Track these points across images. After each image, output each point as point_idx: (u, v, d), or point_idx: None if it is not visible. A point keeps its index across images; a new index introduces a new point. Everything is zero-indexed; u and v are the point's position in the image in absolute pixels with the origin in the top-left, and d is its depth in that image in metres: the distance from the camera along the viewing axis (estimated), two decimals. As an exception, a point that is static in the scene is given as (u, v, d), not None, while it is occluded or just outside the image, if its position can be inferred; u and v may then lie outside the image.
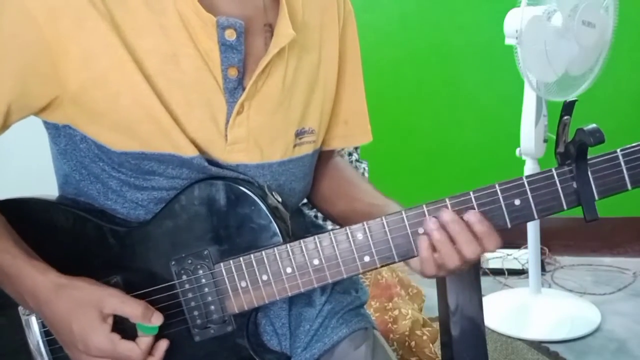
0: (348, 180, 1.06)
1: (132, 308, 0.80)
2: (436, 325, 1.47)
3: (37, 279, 0.80)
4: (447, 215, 0.78)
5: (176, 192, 0.84)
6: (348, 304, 1.01)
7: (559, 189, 0.77)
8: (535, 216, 0.78)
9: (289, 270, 0.82)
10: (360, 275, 1.14)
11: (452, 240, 0.78)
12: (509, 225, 0.79)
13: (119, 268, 0.83)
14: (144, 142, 0.83)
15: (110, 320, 0.79)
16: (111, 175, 0.86)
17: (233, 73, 0.85)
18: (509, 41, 1.99)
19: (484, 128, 2.88)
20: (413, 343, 1.56)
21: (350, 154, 2.04)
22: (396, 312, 1.61)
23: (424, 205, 0.79)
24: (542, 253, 2.57)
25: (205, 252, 0.83)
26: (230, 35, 0.84)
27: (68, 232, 0.87)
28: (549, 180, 0.77)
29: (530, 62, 1.99)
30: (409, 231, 0.79)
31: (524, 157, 2.26)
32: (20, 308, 0.85)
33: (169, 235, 0.84)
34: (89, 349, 0.78)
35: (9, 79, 0.80)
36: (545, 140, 2.23)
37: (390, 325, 1.58)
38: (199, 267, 0.83)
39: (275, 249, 0.82)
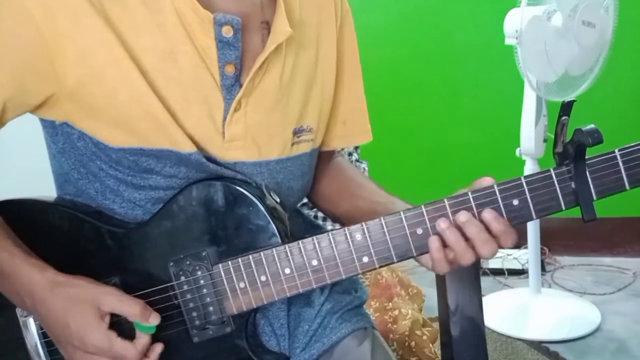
0: (350, 179, 1.05)
1: (129, 306, 0.80)
2: (436, 325, 1.47)
3: (34, 277, 0.80)
4: (463, 216, 0.78)
5: (174, 191, 0.85)
6: (347, 304, 1.01)
7: (558, 189, 0.77)
8: (534, 216, 0.78)
9: (287, 271, 0.82)
10: (360, 275, 1.14)
11: (467, 240, 0.78)
12: (508, 225, 0.79)
13: (117, 269, 0.83)
14: (141, 138, 0.83)
15: (107, 319, 0.79)
16: (108, 173, 0.86)
17: (230, 70, 0.85)
18: (509, 41, 1.99)
19: (484, 128, 2.88)
20: (413, 343, 1.56)
21: (350, 154, 2.04)
22: (396, 312, 1.61)
23: (423, 206, 0.79)
24: (542, 253, 2.57)
25: (204, 253, 0.83)
26: (227, 32, 0.84)
27: (66, 234, 0.87)
28: (547, 181, 0.77)
29: (530, 62, 1.99)
30: (407, 232, 0.79)
31: (524, 157, 2.26)
32: (17, 309, 0.85)
33: (167, 237, 0.84)
34: (86, 345, 0.78)
35: (5, 76, 0.80)
36: (545, 140, 2.23)
37: (390, 325, 1.58)
38: (197, 268, 0.83)
39: (273, 249, 0.82)
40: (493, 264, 2.74)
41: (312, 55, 0.95)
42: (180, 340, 0.84)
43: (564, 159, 0.77)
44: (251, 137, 0.88)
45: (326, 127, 1.01)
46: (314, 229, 1.04)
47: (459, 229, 0.78)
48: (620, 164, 0.76)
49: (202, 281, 0.83)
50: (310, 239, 0.81)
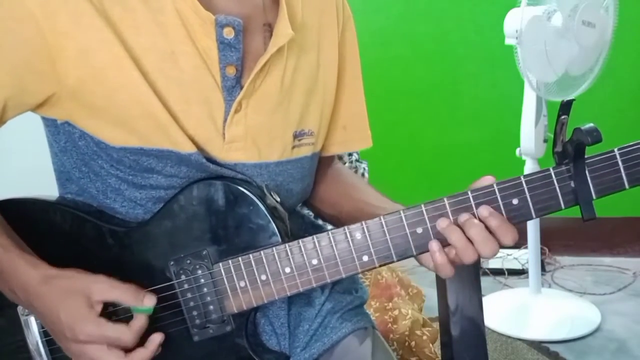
0: (352, 185, 1.05)
1: (121, 292, 0.79)
2: (436, 325, 1.47)
3: (29, 273, 0.80)
4: (462, 217, 0.78)
5: (174, 191, 0.85)
6: (347, 304, 1.01)
7: (557, 188, 0.77)
8: (533, 215, 0.78)
9: (287, 270, 0.82)
10: (360, 275, 1.14)
11: (469, 239, 0.78)
12: (507, 225, 0.79)
13: (118, 268, 0.83)
14: (142, 137, 0.83)
15: (98, 307, 0.79)
16: (110, 172, 0.86)
17: (231, 71, 0.85)
18: (509, 41, 1.99)
19: (484, 128, 2.88)
20: (413, 343, 1.56)
21: (350, 154, 2.04)
22: (396, 312, 1.61)
23: (422, 205, 0.79)
24: (542, 253, 2.57)
25: (204, 252, 0.83)
26: (229, 33, 0.84)
27: (67, 233, 0.87)
28: (546, 180, 0.77)
29: (530, 62, 1.99)
30: (407, 231, 0.80)
31: (524, 157, 2.26)
32: (19, 308, 0.85)
33: (168, 236, 0.84)
34: (77, 335, 0.78)
35: (5, 75, 0.80)
36: (545, 140, 2.23)
37: (390, 325, 1.58)
38: (197, 267, 0.83)
39: (274, 248, 0.82)
40: (493, 264, 2.74)
41: (314, 58, 0.95)
42: (180, 339, 0.85)
43: (564, 158, 0.77)
44: (251, 138, 0.88)
45: (326, 132, 1.01)
46: (315, 229, 1.04)
47: (460, 228, 0.78)
48: (620, 163, 0.76)
49: (202, 280, 0.83)
50: (310, 238, 0.81)
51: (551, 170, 0.77)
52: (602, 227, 2.56)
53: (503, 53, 2.11)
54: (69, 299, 0.78)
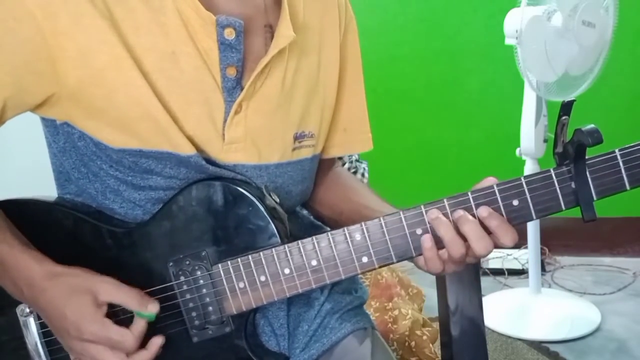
0: (352, 188, 1.05)
1: (127, 295, 0.80)
2: (436, 325, 1.47)
3: (34, 268, 0.80)
4: (457, 212, 0.78)
5: (174, 192, 0.84)
6: (347, 304, 1.01)
7: (558, 189, 0.77)
8: (534, 216, 0.78)
9: (287, 271, 0.82)
10: (360, 276, 1.14)
11: (460, 235, 0.77)
12: (508, 226, 0.79)
13: (117, 269, 0.83)
14: (142, 139, 0.83)
15: (104, 308, 0.79)
16: (109, 173, 0.86)
17: (232, 72, 0.85)
18: (509, 41, 1.99)
19: (484, 128, 2.88)
20: (413, 343, 1.56)
21: (350, 154, 2.04)
22: (396, 312, 1.61)
23: (422, 206, 0.79)
24: (542, 253, 2.57)
25: (203, 253, 0.83)
26: (230, 34, 0.84)
27: (66, 234, 0.87)
28: (547, 181, 0.77)
29: (530, 62, 1.99)
30: (407, 232, 0.79)
31: (524, 157, 2.26)
32: (18, 309, 0.85)
33: (167, 236, 0.84)
34: (82, 333, 0.78)
35: (5, 75, 0.80)
36: (545, 140, 2.23)
37: (390, 325, 1.58)
38: (197, 268, 0.83)
39: (273, 249, 0.82)
40: (493, 264, 2.74)
41: (315, 60, 0.95)
42: (179, 340, 0.84)
43: (564, 159, 0.77)
44: (251, 140, 0.88)
45: (327, 134, 1.01)
46: (314, 230, 1.04)
47: (454, 224, 0.78)
48: (621, 164, 0.76)
49: (201, 281, 0.83)
50: (309, 239, 0.81)
51: (552, 171, 0.77)
52: (602, 227, 2.56)
53: (503, 53, 2.10)
54: (75, 297, 0.79)
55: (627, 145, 0.76)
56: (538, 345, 2.20)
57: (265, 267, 0.82)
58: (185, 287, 0.83)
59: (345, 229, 0.80)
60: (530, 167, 2.24)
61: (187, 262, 0.83)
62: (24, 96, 0.82)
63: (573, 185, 0.77)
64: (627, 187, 0.76)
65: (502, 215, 0.78)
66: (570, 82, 2.11)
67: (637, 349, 2.18)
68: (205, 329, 0.84)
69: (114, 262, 0.85)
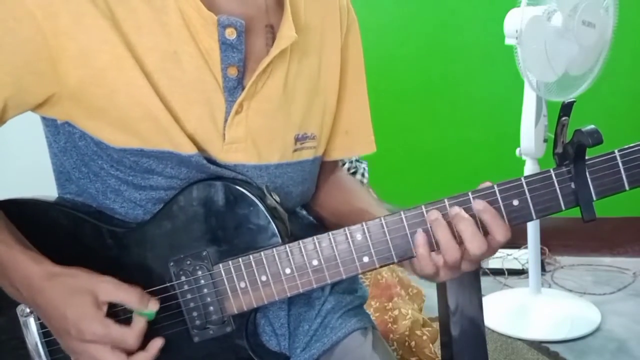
0: (353, 192, 1.05)
1: (127, 294, 0.80)
2: (436, 325, 1.47)
3: (32, 268, 0.80)
4: (454, 210, 0.78)
5: (174, 192, 0.85)
6: (347, 304, 1.01)
7: (557, 189, 0.77)
8: (534, 216, 0.78)
9: (287, 271, 0.82)
10: (360, 275, 1.14)
11: (454, 234, 0.77)
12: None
13: (118, 269, 0.83)
14: (143, 139, 0.83)
15: (104, 308, 0.79)
16: (110, 173, 0.86)
17: (233, 72, 0.85)
18: (509, 41, 1.99)
19: (484, 128, 2.88)
20: (413, 343, 1.56)
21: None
22: (396, 312, 1.61)
23: (423, 206, 0.79)
24: (542, 253, 2.57)
25: (204, 253, 0.83)
26: (231, 34, 0.84)
27: (66, 234, 0.87)
28: (547, 181, 0.77)
29: (530, 62, 2.00)
30: (407, 232, 0.79)
31: (524, 157, 2.26)
32: (18, 309, 0.85)
33: (168, 236, 0.84)
34: (83, 334, 0.78)
35: (6, 75, 0.80)
36: (545, 140, 2.23)
37: (390, 325, 1.58)
38: (197, 268, 0.83)
39: (274, 249, 0.82)
40: (493, 264, 2.74)
41: (316, 61, 0.95)
42: (180, 340, 0.84)
43: (564, 160, 0.78)
44: (252, 140, 0.88)
45: (328, 137, 1.01)
46: (314, 230, 1.04)
47: (449, 224, 0.78)
48: (620, 164, 0.76)
49: (202, 281, 0.83)
50: (310, 239, 0.81)
51: (552, 171, 0.77)
52: (602, 227, 2.56)
53: (503, 53, 2.11)
54: (75, 297, 0.79)
55: (626, 146, 0.76)
56: (538, 345, 2.20)
57: (266, 266, 0.82)
58: (186, 287, 0.83)
59: (347, 228, 0.80)
60: (530, 167, 2.24)
61: (188, 262, 0.83)
62: (24, 96, 0.82)
63: (573, 186, 0.77)
64: (627, 187, 0.77)
65: (502, 216, 0.78)
66: (570, 82, 2.11)
67: (637, 349, 2.18)
68: (206, 329, 0.84)
69: (114, 262, 0.85)
